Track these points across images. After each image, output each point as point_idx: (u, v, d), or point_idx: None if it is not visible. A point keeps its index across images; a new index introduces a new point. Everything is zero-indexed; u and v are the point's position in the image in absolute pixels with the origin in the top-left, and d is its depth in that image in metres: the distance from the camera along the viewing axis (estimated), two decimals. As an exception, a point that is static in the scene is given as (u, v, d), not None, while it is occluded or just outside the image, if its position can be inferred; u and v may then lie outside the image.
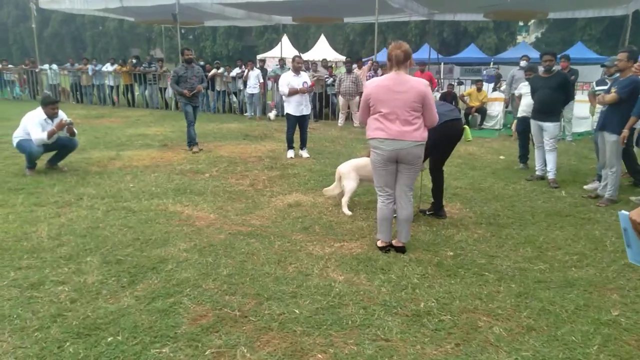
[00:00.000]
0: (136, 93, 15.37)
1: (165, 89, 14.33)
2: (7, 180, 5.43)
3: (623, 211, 1.81)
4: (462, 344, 2.45)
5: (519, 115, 6.94)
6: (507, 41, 31.69)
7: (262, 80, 12.26)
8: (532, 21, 32.95)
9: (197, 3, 13.36)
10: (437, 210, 4.51)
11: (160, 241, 3.72)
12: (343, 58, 22.99)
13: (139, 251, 3.50)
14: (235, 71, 13.30)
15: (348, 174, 4.64)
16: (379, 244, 3.67)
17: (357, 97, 10.84)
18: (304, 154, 7.34)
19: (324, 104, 12.58)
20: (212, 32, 38.77)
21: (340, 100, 11.25)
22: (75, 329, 2.45)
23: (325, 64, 13.97)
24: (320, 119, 12.36)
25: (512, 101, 9.92)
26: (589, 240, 4.00)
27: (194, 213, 4.48)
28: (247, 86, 12.12)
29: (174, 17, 13.52)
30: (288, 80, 7.09)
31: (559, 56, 8.12)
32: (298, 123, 7.23)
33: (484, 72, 19.12)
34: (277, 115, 11.95)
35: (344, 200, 4.65)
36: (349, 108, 11.20)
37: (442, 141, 4.10)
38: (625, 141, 4.83)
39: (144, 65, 14.93)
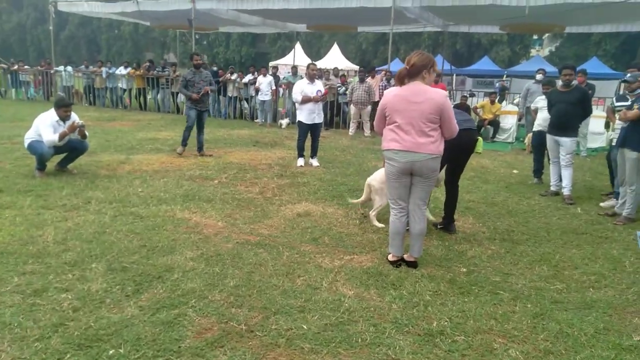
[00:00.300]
0: (148, 97, 15.47)
1: (177, 93, 14.39)
2: (17, 182, 5.42)
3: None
4: (476, 367, 2.34)
5: (534, 129, 6.82)
6: (521, 54, 31.55)
7: (274, 87, 12.26)
8: (547, 35, 32.76)
9: (213, 9, 13.44)
10: (447, 224, 4.40)
11: (167, 249, 3.66)
12: (355, 67, 23.04)
13: (145, 259, 3.44)
14: (248, 77, 13.32)
15: (381, 190, 4.50)
16: (390, 258, 3.57)
17: (369, 107, 10.79)
18: (314, 162, 7.27)
19: (335, 112, 12.54)
20: (226, 38, 39.09)
21: (352, 109, 11.20)
22: (77, 340, 2.38)
23: (336, 72, 13.95)
24: (331, 127, 12.31)
25: (526, 114, 9.80)
26: (607, 260, 3.87)
27: (202, 220, 4.42)
28: (260, 92, 12.12)
29: (190, 23, 13.61)
30: (302, 88, 7.05)
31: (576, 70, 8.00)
32: (310, 131, 7.18)
33: (497, 84, 19.00)
34: (288, 124, 11.92)
35: (373, 214, 4.55)
36: (360, 117, 11.14)
37: (453, 151, 3.99)
38: (645, 159, 4.70)
39: (157, 69, 15.03)
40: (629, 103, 5.00)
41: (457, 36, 28.18)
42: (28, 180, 5.52)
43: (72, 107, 5.97)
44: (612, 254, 4.03)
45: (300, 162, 7.22)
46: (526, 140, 9.30)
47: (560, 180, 5.89)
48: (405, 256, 3.56)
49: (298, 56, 21.44)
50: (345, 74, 16.27)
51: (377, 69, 13.86)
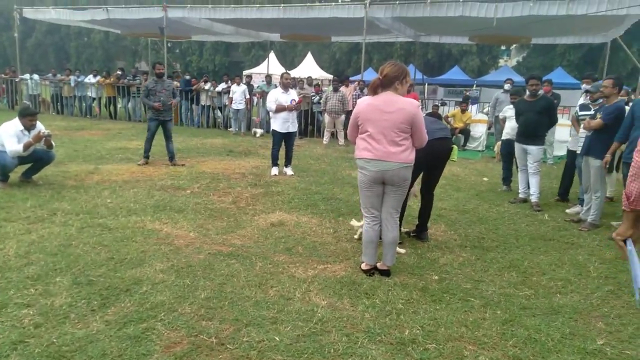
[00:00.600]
0: (119, 106, 15.16)
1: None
2: (-22, 193, 5.20)
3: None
4: (448, 375, 2.36)
5: (503, 137, 7.00)
6: (490, 64, 32.39)
7: (248, 96, 12.21)
8: (514, 46, 33.81)
9: (185, 17, 13.31)
10: (419, 232, 4.45)
11: (135, 261, 3.57)
12: (328, 76, 23.20)
13: (112, 271, 3.34)
14: (221, 86, 13.23)
15: None
16: (364, 266, 3.58)
17: (343, 116, 10.87)
18: (289, 171, 7.25)
19: (309, 121, 12.58)
20: (199, 46, 38.74)
21: (326, 118, 11.25)
22: (37, 358, 2.29)
23: (310, 81, 14.01)
24: (305, 136, 12.33)
25: (495, 123, 10.05)
26: (572, 266, 3.98)
27: (173, 231, 4.33)
28: (233, 101, 12.06)
29: (161, 31, 13.43)
30: (276, 97, 7.04)
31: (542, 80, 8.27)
32: (284, 140, 7.16)
33: (467, 93, 19.44)
34: (262, 133, 11.89)
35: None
36: (334, 126, 11.20)
37: (429, 159, 4.04)
38: (607, 166, 4.88)
39: (128, 77, 14.76)
40: (592, 112, 5.19)
41: (428, 46, 28.72)
42: (-11, 192, 5.31)
43: (39, 116, 5.79)
44: (577, 259, 4.14)
45: (275, 171, 7.19)
46: (495, 149, 9.52)
47: (528, 187, 6.05)
48: (378, 265, 3.58)
49: (272, 65, 21.44)
50: (320, 83, 16.38)
51: (350, 78, 14.00)
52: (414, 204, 4.75)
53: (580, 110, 5.47)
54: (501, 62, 36.26)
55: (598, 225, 5.12)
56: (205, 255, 3.78)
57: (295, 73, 22.15)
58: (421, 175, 4.38)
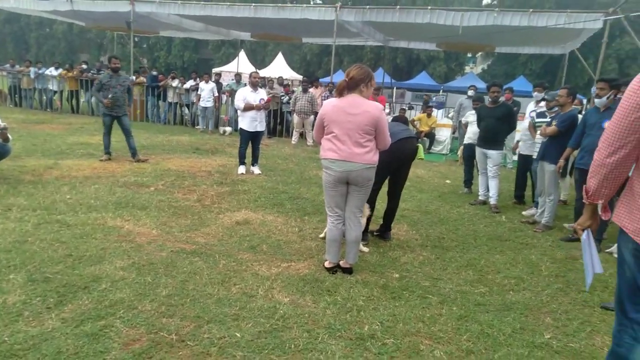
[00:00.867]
0: (82, 100, 14.70)
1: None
2: None
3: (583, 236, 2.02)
4: (403, 368, 2.44)
5: (465, 142, 7.23)
6: (456, 70, 33.24)
7: (216, 94, 12.10)
8: (480, 54, 34.84)
9: (153, 12, 13.06)
10: (383, 232, 4.55)
11: (95, 258, 3.50)
12: (299, 77, 23.23)
13: (70, 269, 3.27)
14: (190, 83, 13.05)
15: None
16: (327, 264, 3.64)
17: (312, 117, 10.93)
18: (256, 170, 7.25)
19: (278, 121, 12.58)
20: (168, 42, 38.01)
21: (295, 118, 11.29)
22: (-11, 355, 2.23)
23: (281, 81, 14.01)
24: (274, 135, 12.33)
25: (459, 128, 10.35)
26: (526, 265, 4.16)
27: (135, 229, 4.27)
28: (201, 99, 11.92)
29: (128, 25, 13.14)
30: (244, 95, 7.02)
31: (503, 88, 8.59)
32: (251, 139, 7.15)
33: (434, 98, 19.90)
34: (230, 132, 11.79)
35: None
36: (303, 127, 11.24)
37: (396, 161, 4.15)
38: (560, 170, 5.13)
39: (92, 71, 14.33)
40: (548, 120, 5.44)
41: (397, 51, 29.21)
42: (-61, 186, 5.07)
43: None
44: (531, 259, 4.34)
45: (242, 169, 7.17)
46: (459, 152, 9.80)
47: (488, 190, 6.27)
48: (341, 263, 3.64)
49: (242, 64, 21.30)
50: (290, 83, 16.39)
51: (320, 80, 14.08)
52: (379, 204, 4.84)
53: (537, 118, 5.72)
54: (467, 69, 37.28)
55: (551, 227, 5.37)
56: (167, 252, 3.74)
57: (265, 72, 22.07)
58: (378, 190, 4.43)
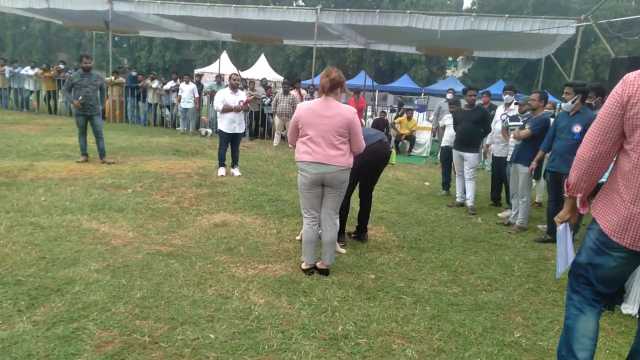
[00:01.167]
0: (59, 100, 14.44)
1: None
2: None
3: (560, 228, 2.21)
4: (375, 367, 2.48)
5: (442, 144, 7.35)
6: (438, 74, 33.72)
7: (197, 95, 12.03)
8: (460, 58, 35.36)
9: (132, 12, 12.92)
10: (360, 233, 4.60)
11: (69, 260, 3.46)
12: (281, 78, 23.24)
13: (43, 271, 3.23)
14: (170, 84, 12.95)
15: None
16: (303, 266, 3.67)
17: (293, 118, 10.94)
18: (235, 172, 7.24)
19: (259, 123, 12.57)
20: (149, 42, 37.60)
21: (277, 120, 11.30)
22: (-44, 359, 2.19)
23: (264, 83, 14.00)
24: (255, 137, 12.32)
25: (438, 131, 10.49)
26: (499, 265, 4.26)
27: (111, 231, 4.23)
28: (182, 100, 11.83)
29: (107, 25, 12.97)
30: (223, 97, 7.01)
31: (481, 92, 8.76)
32: (230, 141, 7.14)
33: (416, 101, 20.15)
34: (211, 134, 11.73)
35: None
36: (284, 129, 11.25)
37: (368, 163, 4.20)
38: (532, 173, 5.26)
39: (70, 71, 14.09)
40: (520, 123, 5.57)
41: (380, 54, 29.48)
42: None
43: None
44: (504, 259, 4.44)
45: (221, 171, 7.15)
46: (438, 155, 9.94)
47: (465, 192, 6.38)
48: (317, 264, 3.67)
49: (224, 65, 21.18)
50: (272, 85, 16.39)
51: (302, 82, 14.11)
52: (356, 205, 4.89)
53: (510, 121, 5.86)
54: (448, 72, 37.83)
55: (525, 228, 5.50)
56: (143, 255, 3.72)
57: (248, 74, 22.04)
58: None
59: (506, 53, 15.33)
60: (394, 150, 4.70)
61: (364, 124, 12.14)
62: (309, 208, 3.57)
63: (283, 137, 11.44)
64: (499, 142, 6.25)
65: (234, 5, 11.83)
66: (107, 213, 4.74)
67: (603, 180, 2.12)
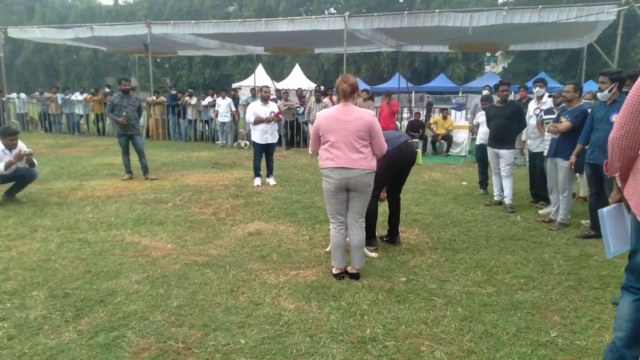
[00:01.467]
0: (107, 122, 15.27)
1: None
2: (-39, 213, 5.30)
3: (603, 210, 2.21)
4: (402, 369, 2.48)
5: (477, 142, 7.19)
6: (476, 71, 32.86)
7: (233, 109, 12.38)
8: (499, 52, 34.33)
9: (169, 34, 13.52)
10: (391, 236, 4.59)
11: (112, 273, 3.68)
12: (317, 87, 23.42)
13: (88, 284, 3.45)
14: (207, 100, 13.41)
15: None
16: (334, 271, 3.71)
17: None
18: (271, 181, 7.40)
19: (295, 131, 12.75)
20: (188, 61, 38.98)
21: (311, 128, 11.41)
22: (9, 367, 2.39)
23: (300, 92, 14.20)
24: (292, 146, 12.51)
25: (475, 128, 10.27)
26: (537, 264, 4.12)
27: (152, 243, 4.45)
28: (219, 115, 12.24)
29: (146, 47, 13.62)
30: (255, 109, 7.22)
31: (517, 86, 8.52)
32: (264, 151, 7.31)
33: (454, 100, 19.74)
34: (248, 146, 12.01)
35: None
36: (318, 136, 11.34)
37: (394, 165, 4.20)
38: (572, 167, 5.05)
39: (115, 94, 14.87)
40: (555, 116, 5.38)
41: (415, 55, 29.15)
42: (-28, 211, 5.40)
43: (28, 135, 5.90)
44: (543, 257, 4.29)
45: (257, 181, 7.32)
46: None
47: (502, 190, 6.21)
48: (348, 268, 3.71)
49: (260, 78, 21.66)
50: (307, 94, 16.57)
51: (334, 89, 14.19)
52: (385, 210, 4.88)
53: (545, 114, 5.66)
54: (487, 68, 36.80)
55: (567, 225, 5.28)
56: (180, 265, 3.89)
57: (283, 85, 22.37)
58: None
59: (544, 44, 14.75)
60: (419, 151, 4.66)
61: (398, 126, 12.04)
62: (334, 213, 3.62)
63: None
64: (535, 137, 6.05)
65: (264, 19, 12.12)
66: (149, 227, 4.98)
67: None
